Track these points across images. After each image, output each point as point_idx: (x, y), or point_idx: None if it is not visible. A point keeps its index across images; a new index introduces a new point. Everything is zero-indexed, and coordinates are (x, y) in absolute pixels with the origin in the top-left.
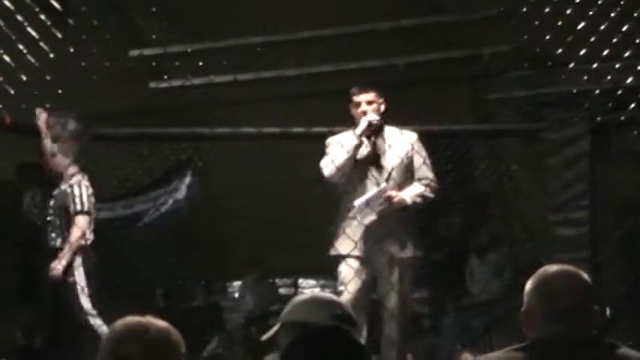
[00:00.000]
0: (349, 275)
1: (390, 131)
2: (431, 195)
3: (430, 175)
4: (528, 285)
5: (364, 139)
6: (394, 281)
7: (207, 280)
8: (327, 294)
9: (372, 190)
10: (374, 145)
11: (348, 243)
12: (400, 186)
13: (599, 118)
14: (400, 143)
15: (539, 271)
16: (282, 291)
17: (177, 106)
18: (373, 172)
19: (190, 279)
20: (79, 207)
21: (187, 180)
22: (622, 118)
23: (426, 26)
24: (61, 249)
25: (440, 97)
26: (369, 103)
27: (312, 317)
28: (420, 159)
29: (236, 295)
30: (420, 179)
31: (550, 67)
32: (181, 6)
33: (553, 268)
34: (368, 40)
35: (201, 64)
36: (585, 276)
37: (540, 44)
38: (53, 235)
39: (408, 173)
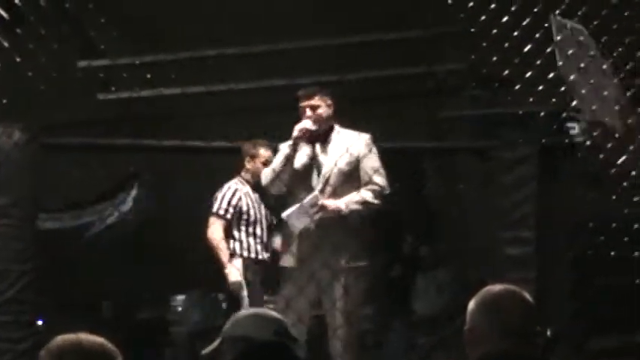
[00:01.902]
0: (290, 288)
1: (340, 135)
2: (374, 201)
3: (377, 180)
4: (472, 304)
5: (306, 147)
6: (338, 296)
7: (153, 293)
8: (270, 310)
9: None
10: (314, 152)
11: (290, 255)
12: (343, 192)
13: (544, 140)
14: (347, 148)
15: (483, 290)
16: (225, 305)
17: (127, 117)
18: (313, 180)
19: (137, 292)
20: None
21: (134, 193)
22: (566, 140)
23: (382, 42)
24: None
25: (394, 113)
26: (313, 108)
27: (254, 332)
28: (368, 163)
29: (180, 308)
30: (365, 184)
31: (498, 88)
32: (132, 17)
33: (497, 287)
34: (322, 54)
35: (149, 76)
36: (528, 296)
37: (488, 65)
38: None
39: (353, 180)
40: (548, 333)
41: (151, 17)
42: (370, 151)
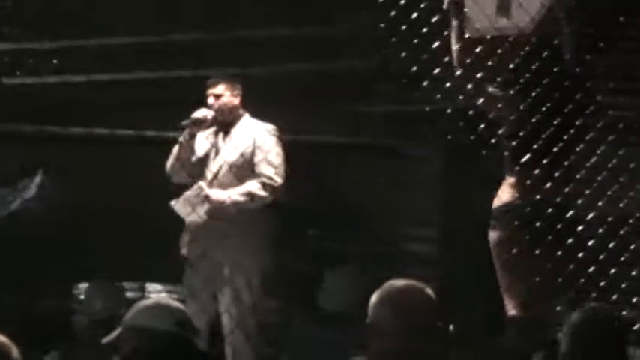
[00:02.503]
0: (190, 280)
1: (245, 125)
2: (263, 194)
3: (269, 172)
4: (374, 298)
5: (210, 135)
6: (232, 289)
7: (55, 280)
8: (171, 300)
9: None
10: (216, 141)
11: (191, 246)
12: (239, 183)
13: (450, 137)
14: (248, 138)
15: (386, 285)
16: (129, 294)
17: (33, 104)
18: (210, 169)
19: (39, 279)
20: None
21: (38, 179)
22: (472, 138)
23: (299, 37)
24: None
25: (310, 108)
26: (217, 96)
27: (154, 323)
28: (262, 154)
29: (83, 296)
30: (257, 176)
31: (407, 84)
32: (40, 2)
33: (399, 282)
34: (239, 46)
35: (55, 61)
36: (430, 292)
37: (397, 61)
38: None
39: (248, 170)
40: (451, 329)
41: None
42: (269, 142)
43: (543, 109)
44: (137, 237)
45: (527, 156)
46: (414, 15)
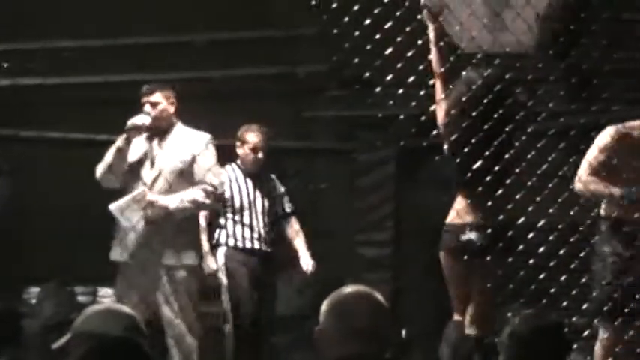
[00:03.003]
0: (121, 283)
1: (180, 133)
2: (207, 201)
3: (209, 179)
4: (324, 304)
5: (143, 142)
6: (167, 293)
7: (6, 284)
8: (122, 305)
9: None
10: (150, 147)
11: (120, 249)
12: (175, 191)
13: (402, 143)
14: (185, 146)
15: (336, 291)
16: (80, 299)
17: None
18: (146, 176)
19: None
20: None
21: None
22: (424, 144)
23: (246, 40)
24: None
25: (259, 112)
26: (153, 104)
27: (104, 328)
28: (203, 163)
29: (34, 301)
30: (198, 183)
31: (359, 90)
32: None
33: (348, 288)
34: (185, 51)
35: (6, 65)
36: (380, 297)
37: (350, 66)
38: None
39: (188, 178)
40: (403, 334)
41: (15, 3)
42: (207, 150)
43: (485, 127)
44: (89, 240)
45: (469, 175)
46: (367, 21)
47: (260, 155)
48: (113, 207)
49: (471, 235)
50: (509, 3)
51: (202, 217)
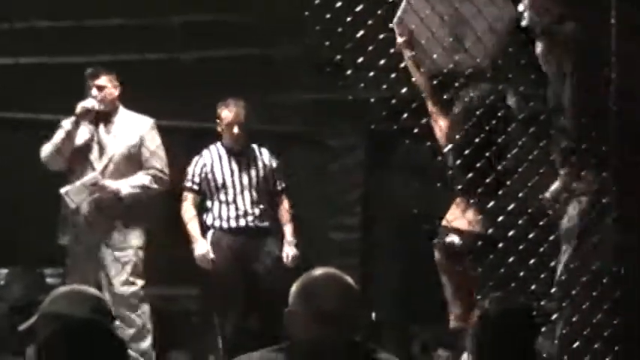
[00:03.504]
0: (69, 265)
1: (124, 117)
2: (154, 186)
3: (158, 165)
4: (294, 287)
5: (89, 125)
6: (113, 275)
7: None
8: (89, 287)
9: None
10: (97, 131)
11: (67, 232)
12: (124, 174)
13: (373, 127)
14: (131, 131)
15: (305, 274)
16: (49, 280)
17: None
18: (94, 160)
19: None
20: None
21: None
22: (394, 127)
23: (217, 23)
24: None
25: (229, 95)
26: (100, 88)
27: (70, 309)
28: (150, 148)
29: (2, 282)
30: (147, 169)
31: (330, 74)
32: None
33: (318, 271)
34: (155, 33)
35: None
36: (350, 280)
37: (321, 50)
38: None
39: (135, 162)
40: (373, 317)
41: None
42: (152, 134)
43: (477, 140)
44: (57, 222)
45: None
46: (339, 4)
47: (235, 130)
48: (64, 190)
49: (454, 239)
50: (469, 24)
51: (192, 203)
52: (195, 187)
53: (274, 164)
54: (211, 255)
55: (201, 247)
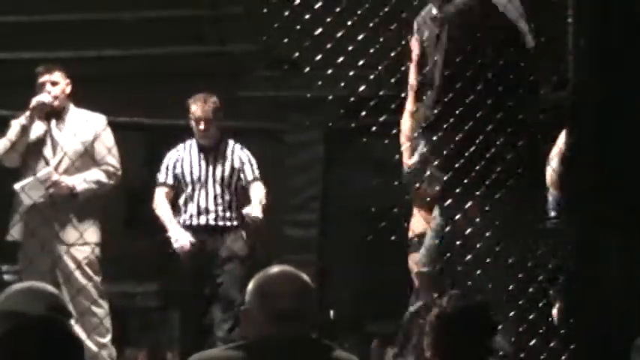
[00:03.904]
0: (22, 261)
1: (76, 114)
2: (107, 181)
3: (110, 160)
4: (250, 285)
5: (41, 121)
6: (68, 271)
7: None
8: (45, 284)
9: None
10: (49, 127)
11: (20, 227)
12: (78, 171)
13: (330, 124)
14: (84, 127)
15: (261, 272)
16: (6, 277)
17: None
18: (48, 156)
19: None
20: None
21: None
22: (352, 125)
23: (177, 19)
24: None
25: (189, 92)
26: (53, 84)
27: (25, 307)
28: (102, 144)
29: None
30: (99, 165)
31: (288, 71)
32: None
33: (273, 269)
34: (111, 29)
35: None
36: (305, 278)
37: (280, 47)
38: None
39: (89, 158)
40: (331, 315)
41: None
42: (105, 131)
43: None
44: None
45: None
46: (297, 1)
47: (201, 126)
48: (18, 186)
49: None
50: None
51: (164, 196)
52: (169, 180)
53: (246, 159)
54: (190, 238)
55: (176, 233)
